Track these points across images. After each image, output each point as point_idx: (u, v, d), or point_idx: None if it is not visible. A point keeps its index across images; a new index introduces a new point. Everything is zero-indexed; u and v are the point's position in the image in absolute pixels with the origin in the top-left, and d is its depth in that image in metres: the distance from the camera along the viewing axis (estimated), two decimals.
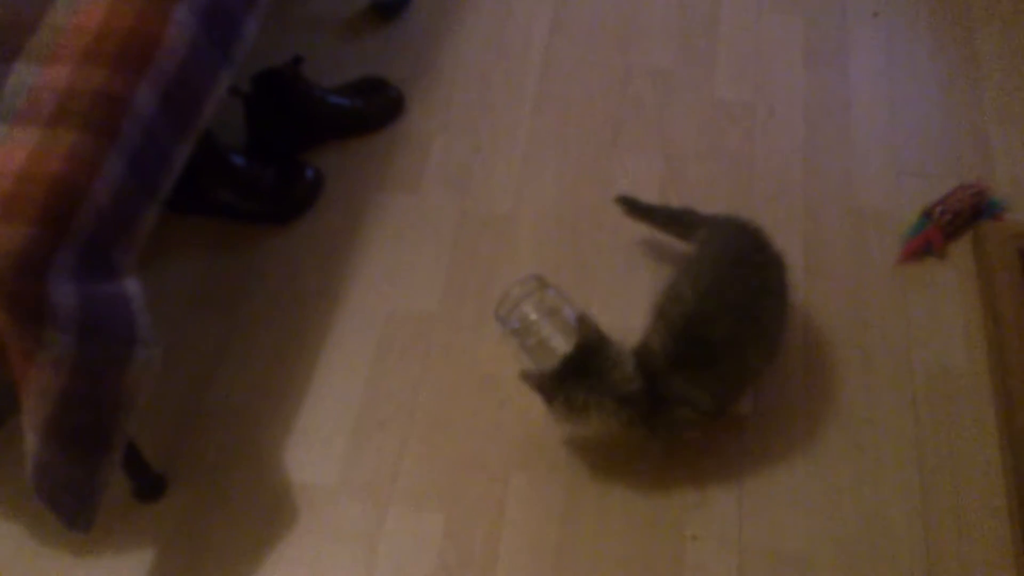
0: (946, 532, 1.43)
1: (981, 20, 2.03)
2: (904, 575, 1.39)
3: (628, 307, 1.66)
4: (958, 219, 1.70)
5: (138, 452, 1.45)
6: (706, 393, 1.38)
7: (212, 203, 1.77)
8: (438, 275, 1.72)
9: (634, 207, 1.67)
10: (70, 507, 1.27)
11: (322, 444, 1.55)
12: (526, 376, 1.40)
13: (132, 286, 1.24)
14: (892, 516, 1.44)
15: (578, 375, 1.36)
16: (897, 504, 1.45)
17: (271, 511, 1.49)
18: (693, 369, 1.37)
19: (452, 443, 1.54)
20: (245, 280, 1.74)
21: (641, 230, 1.75)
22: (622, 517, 1.46)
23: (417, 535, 1.46)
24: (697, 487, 1.48)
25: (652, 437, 1.42)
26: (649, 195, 1.80)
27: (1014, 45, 1.98)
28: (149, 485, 1.50)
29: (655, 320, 1.41)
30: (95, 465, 1.23)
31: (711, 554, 1.42)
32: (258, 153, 1.84)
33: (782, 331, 1.48)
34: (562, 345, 1.52)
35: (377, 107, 1.93)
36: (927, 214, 1.71)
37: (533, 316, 1.56)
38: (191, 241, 1.79)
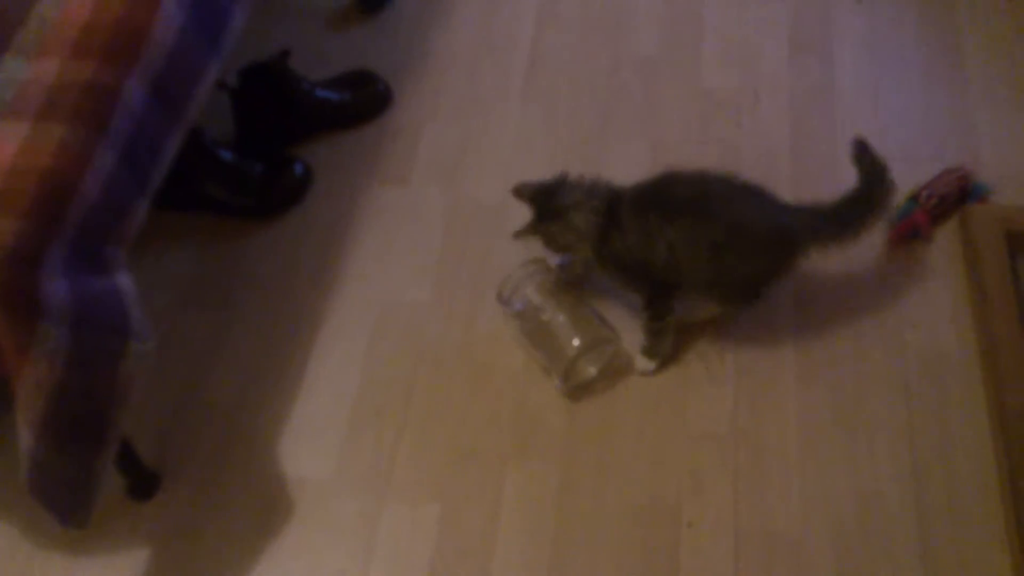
0: (939, 513, 1.44)
1: (963, 5, 2.04)
2: (898, 556, 1.40)
3: (620, 294, 1.67)
4: (945, 202, 1.71)
5: (132, 449, 1.44)
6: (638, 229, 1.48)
7: (201, 198, 1.77)
8: (430, 265, 1.72)
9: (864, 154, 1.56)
10: (65, 504, 1.26)
11: (317, 437, 1.55)
12: (518, 191, 1.58)
13: (124, 280, 1.24)
14: (886, 498, 1.45)
15: (554, 196, 1.54)
16: (890, 485, 1.46)
17: (267, 506, 1.49)
18: (645, 208, 1.49)
19: (447, 434, 1.55)
20: (236, 274, 1.73)
21: None
22: (618, 505, 1.47)
23: (414, 526, 1.46)
24: (692, 474, 1.49)
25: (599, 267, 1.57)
26: None
27: (997, 29, 1.99)
28: (143, 483, 1.50)
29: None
30: (90, 460, 1.22)
31: (707, 539, 1.43)
32: (246, 148, 1.84)
33: (739, 248, 1.48)
34: (564, 327, 1.54)
35: (365, 100, 1.92)
36: (914, 198, 1.72)
37: (536, 299, 1.57)
38: (181, 236, 1.78)
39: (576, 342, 1.52)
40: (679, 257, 1.47)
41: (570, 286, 1.62)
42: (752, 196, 1.51)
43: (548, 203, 1.54)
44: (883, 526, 1.43)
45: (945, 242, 1.72)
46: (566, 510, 1.47)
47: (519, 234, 1.57)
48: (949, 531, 1.42)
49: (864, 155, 1.55)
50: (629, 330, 1.61)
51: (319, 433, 1.55)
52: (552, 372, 1.56)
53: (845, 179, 1.79)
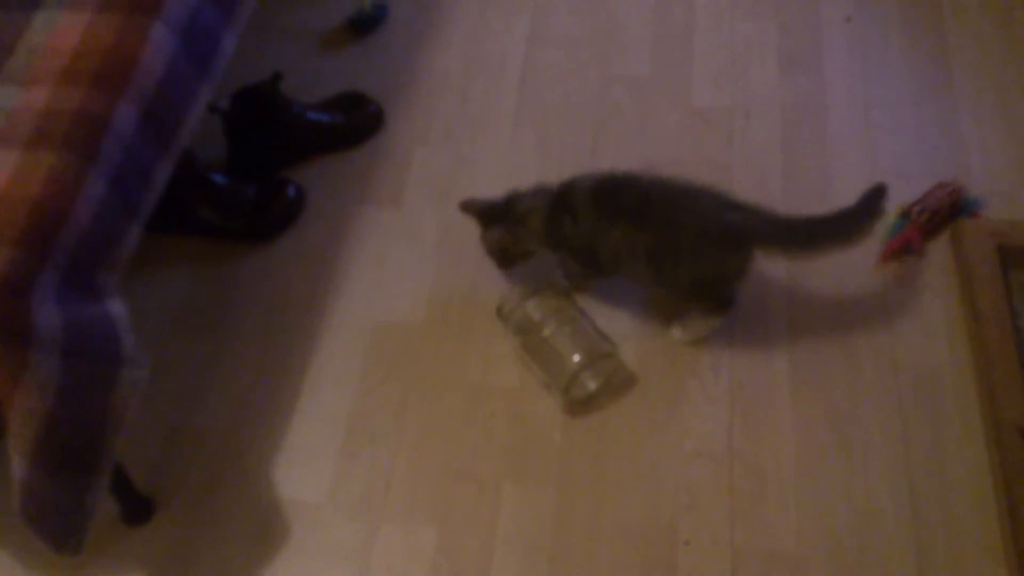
0: (935, 528, 1.43)
1: (952, 21, 2.05)
2: (895, 572, 1.40)
3: (612, 312, 1.67)
4: (936, 218, 1.72)
5: (125, 475, 1.44)
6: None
7: (193, 222, 1.77)
8: (423, 287, 1.72)
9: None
10: (58, 531, 1.25)
11: (311, 460, 1.54)
12: (465, 206, 1.66)
13: (116, 307, 1.24)
14: (882, 513, 1.45)
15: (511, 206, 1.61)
16: (886, 501, 1.46)
17: (261, 530, 1.48)
18: (598, 204, 1.52)
19: (442, 455, 1.54)
20: (229, 298, 1.73)
21: None
22: (615, 525, 1.46)
23: (410, 549, 1.45)
24: (688, 492, 1.49)
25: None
26: None
27: (985, 44, 2.01)
28: (137, 508, 1.49)
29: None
30: (83, 487, 1.22)
31: (704, 558, 1.42)
32: (239, 171, 1.84)
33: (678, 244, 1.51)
34: (565, 342, 1.55)
35: (357, 122, 1.93)
36: (905, 214, 1.73)
37: (536, 315, 1.57)
38: (173, 260, 1.78)
39: (577, 357, 1.53)
40: (621, 257, 1.53)
41: (570, 302, 1.62)
42: (696, 199, 1.52)
43: (504, 214, 1.60)
44: (880, 542, 1.43)
45: (937, 257, 1.72)
46: (562, 530, 1.46)
47: (484, 238, 1.65)
48: (945, 546, 1.42)
49: (875, 197, 1.55)
50: (630, 344, 1.62)
51: (313, 456, 1.55)
52: (553, 388, 1.56)
53: (836, 195, 1.80)
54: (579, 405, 1.57)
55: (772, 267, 1.70)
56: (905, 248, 1.71)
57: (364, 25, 2.10)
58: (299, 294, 1.73)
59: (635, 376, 1.60)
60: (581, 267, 1.63)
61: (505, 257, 1.65)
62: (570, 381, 1.53)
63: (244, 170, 1.84)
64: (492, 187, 1.84)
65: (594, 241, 1.54)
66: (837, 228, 1.52)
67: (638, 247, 1.51)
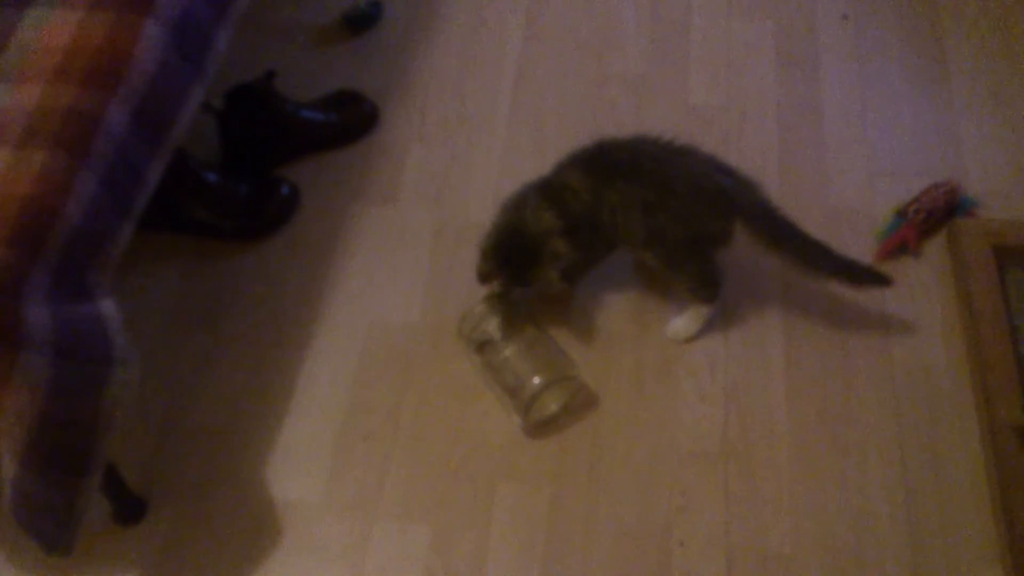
0: (931, 529, 1.43)
1: (949, 20, 2.05)
2: (890, 573, 1.40)
3: (607, 313, 1.67)
4: (932, 217, 1.72)
5: (117, 474, 1.43)
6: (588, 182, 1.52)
7: (187, 220, 1.76)
8: (418, 286, 1.72)
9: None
10: (49, 531, 1.25)
11: (305, 460, 1.54)
12: (484, 275, 1.57)
13: (107, 306, 1.23)
14: (877, 514, 1.45)
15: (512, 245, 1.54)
16: (882, 502, 1.46)
17: (255, 530, 1.47)
18: (591, 172, 1.52)
19: (437, 455, 1.54)
20: (222, 296, 1.72)
21: None
22: (609, 525, 1.46)
23: (404, 549, 1.45)
24: (682, 492, 1.48)
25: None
26: None
27: (981, 44, 2.00)
28: (129, 507, 1.48)
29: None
30: (74, 488, 1.21)
31: (699, 558, 1.42)
32: (232, 169, 1.83)
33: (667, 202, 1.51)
34: (526, 363, 1.52)
35: (351, 120, 1.92)
36: (901, 213, 1.72)
37: (497, 335, 1.55)
38: (166, 258, 1.77)
39: (537, 380, 1.50)
40: (619, 219, 1.52)
41: (531, 321, 1.59)
42: (686, 156, 1.53)
43: (520, 254, 1.52)
44: (875, 543, 1.42)
45: (933, 256, 1.72)
46: (556, 530, 1.46)
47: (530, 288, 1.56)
48: (941, 547, 1.41)
49: (868, 275, 1.57)
50: (593, 363, 1.61)
51: (307, 455, 1.54)
52: (512, 409, 1.54)
53: (832, 194, 1.80)
54: (539, 427, 1.55)
55: (767, 267, 1.69)
56: (901, 247, 1.71)
57: (358, 23, 2.09)
58: (293, 293, 1.72)
59: (597, 396, 1.58)
60: (584, 252, 1.59)
61: (559, 283, 1.57)
62: (530, 402, 1.51)
63: (238, 168, 1.84)
64: (487, 185, 1.84)
65: (594, 208, 1.52)
66: (807, 252, 1.53)
67: (635, 203, 1.50)
